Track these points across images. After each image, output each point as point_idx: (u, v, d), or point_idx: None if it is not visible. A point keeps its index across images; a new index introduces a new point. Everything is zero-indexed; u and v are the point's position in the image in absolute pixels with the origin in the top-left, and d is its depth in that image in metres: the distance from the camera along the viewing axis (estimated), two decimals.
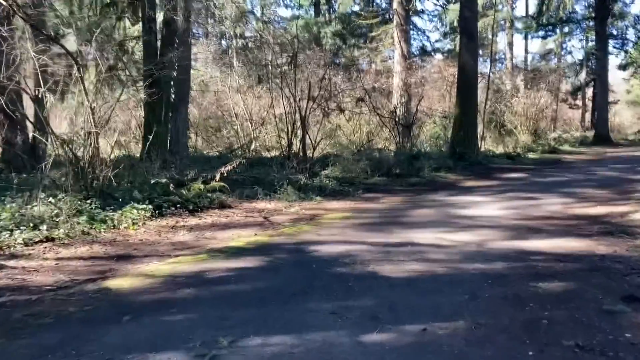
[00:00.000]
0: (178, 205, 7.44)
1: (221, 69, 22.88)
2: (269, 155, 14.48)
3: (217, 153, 15.69)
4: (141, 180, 7.78)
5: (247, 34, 26.32)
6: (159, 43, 12.56)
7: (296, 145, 11.60)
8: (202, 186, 7.75)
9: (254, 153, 15.26)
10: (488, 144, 19.52)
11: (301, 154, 10.98)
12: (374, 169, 11.53)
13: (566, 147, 22.79)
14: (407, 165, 12.22)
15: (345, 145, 15.27)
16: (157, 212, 7.09)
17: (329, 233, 5.94)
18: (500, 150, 19.28)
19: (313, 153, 11.13)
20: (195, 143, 18.92)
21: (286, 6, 34.23)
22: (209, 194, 8.11)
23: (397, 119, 15.08)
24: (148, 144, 11.07)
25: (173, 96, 11.76)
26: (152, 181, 7.38)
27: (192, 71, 23.55)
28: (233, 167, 8.16)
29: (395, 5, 20.02)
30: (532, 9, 33.70)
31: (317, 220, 6.97)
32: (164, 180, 7.43)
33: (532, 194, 9.02)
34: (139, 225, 6.52)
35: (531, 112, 24.41)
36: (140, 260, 4.92)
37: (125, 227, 6.39)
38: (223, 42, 25.91)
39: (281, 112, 13.78)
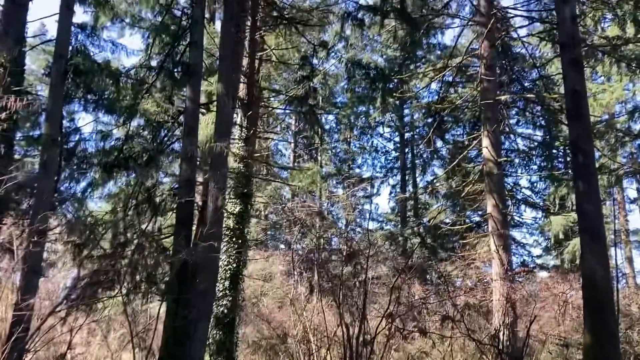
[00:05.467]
0: None
1: (288, 281, 20.29)
2: None
3: None
4: None
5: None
6: None
7: None
8: None
9: None
10: None
11: None
12: None
13: None
14: None
15: None
16: None
17: None
18: None
19: None
20: None
21: (372, 219, 32.38)
22: None
23: (500, 347, 11.16)
24: None
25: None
26: None
27: (260, 282, 21.21)
28: None
29: (489, 209, 17.18)
30: None
31: None
32: None
33: None
34: None
35: None
36: None
37: None
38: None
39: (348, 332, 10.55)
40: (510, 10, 18.00)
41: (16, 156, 11.80)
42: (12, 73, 8.44)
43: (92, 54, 10.36)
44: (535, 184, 28.00)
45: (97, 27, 11.97)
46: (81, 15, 13.45)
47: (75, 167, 11.95)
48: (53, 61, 9.09)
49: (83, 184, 12.67)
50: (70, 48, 9.65)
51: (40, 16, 23.43)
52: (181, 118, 11.83)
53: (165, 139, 11.84)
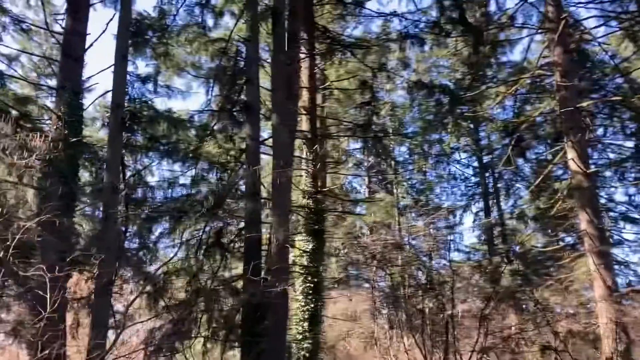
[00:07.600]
0: None
1: (372, 320, 19.39)
2: None
3: None
4: None
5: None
6: None
7: None
8: None
9: None
10: None
11: None
12: None
13: None
14: None
15: None
16: None
17: None
18: None
19: None
20: None
21: (457, 250, 30.88)
22: None
23: None
24: None
25: None
26: None
27: (344, 322, 20.41)
28: None
29: (583, 225, 15.68)
30: None
31: None
32: None
33: None
34: None
35: None
36: None
37: None
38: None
39: None
40: (581, 12, 16.86)
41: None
42: (70, 124, 8.53)
43: (149, 101, 10.41)
44: (632, 197, 25.74)
45: (157, 78, 12.11)
46: (143, 68, 13.78)
47: (145, 216, 11.93)
48: (110, 110, 9.18)
49: (155, 234, 12.65)
50: (127, 97, 9.75)
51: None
52: (244, 157, 11.63)
53: (230, 179, 11.65)
